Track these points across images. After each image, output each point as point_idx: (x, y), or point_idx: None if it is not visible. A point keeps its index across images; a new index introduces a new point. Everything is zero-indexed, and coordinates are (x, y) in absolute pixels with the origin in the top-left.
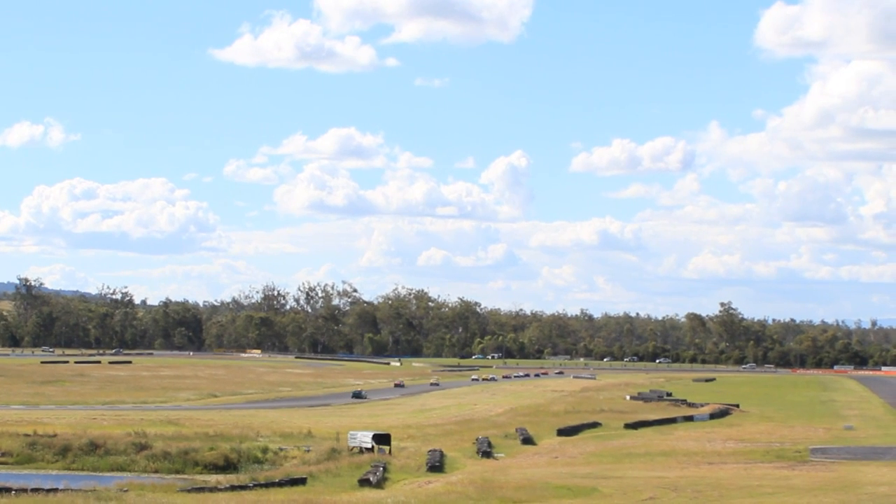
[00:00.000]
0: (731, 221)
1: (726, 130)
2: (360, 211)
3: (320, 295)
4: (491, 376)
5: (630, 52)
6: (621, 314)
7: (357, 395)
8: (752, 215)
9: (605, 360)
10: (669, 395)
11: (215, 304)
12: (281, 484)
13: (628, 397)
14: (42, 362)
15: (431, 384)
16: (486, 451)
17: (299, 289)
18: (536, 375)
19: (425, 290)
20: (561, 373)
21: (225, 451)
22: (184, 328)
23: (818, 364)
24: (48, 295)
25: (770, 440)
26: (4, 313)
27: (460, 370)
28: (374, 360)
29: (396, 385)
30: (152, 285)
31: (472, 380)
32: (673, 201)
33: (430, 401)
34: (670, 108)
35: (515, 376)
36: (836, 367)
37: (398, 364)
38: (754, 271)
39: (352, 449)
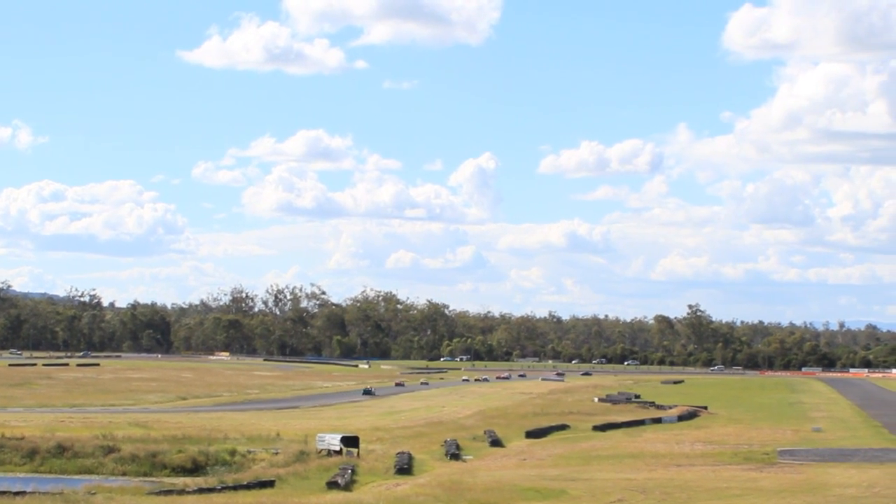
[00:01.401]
0: (699, 223)
1: (694, 133)
2: (328, 213)
3: (288, 297)
4: (484, 377)
5: (598, 54)
6: (589, 316)
7: (367, 392)
8: (719, 217)
9: (573, 362)
10: (638, 397)
11: (183, 306)
12: (249, 486)
13: (597, 399)
14: (10, 365)
15: (421, 383)
16: (455, 454)
17: (267, 291)
18: (521, 376)
19: (394, 292)
20: (523, 375)
21: (193, 454)
22: (152, 330)
23: (786, 366)
24: (16, 297)
25: (738, 442)
26: None
27: (428, 372)
28: (343, 362)
29: (397, 384)
30: (120, 287)
31: (463, 380)
32: (641, 203)
33: (398, 403)
34: (638, 110)
35: (498, 378)
36: (804, 370)
37: (366, 366)
38: (722, 273)
39: (320, 451)
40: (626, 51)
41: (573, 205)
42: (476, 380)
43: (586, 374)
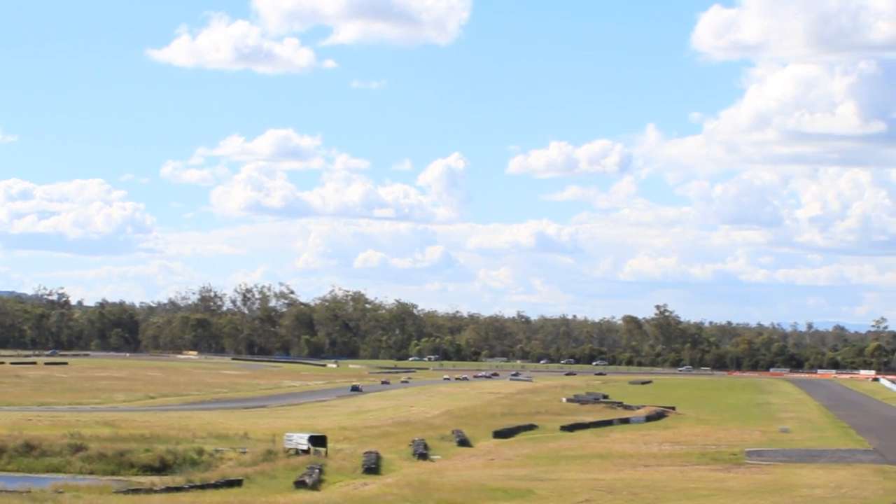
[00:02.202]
0: (668, 224)
1: (663, 133)
2: (296, 212)
3: (257, 296)
4: (464, 376)
5: (567, 54)
6: (558, 316)
7: (355, 389)
8: (688, 218)
9: (541, 362)
10: (606, 397)
11: (152, 305)
12: (216, 486)
13: (564, 399)
14: None
15: (402, 382)
16: (423, 453)
17: (236, 290)
18: (514, 375)
19: (362, 291)
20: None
21: (161, 453)
22: (120, 329)
23: (754, 367)
24: None
25: (706, 443)
26: None
27: (397, 372)
28: (311, 361)
29: (383, 382)
30: (88, 286)
31: (444, 379)
32: (610, 204)
33: (366, 403)
34: (607, 110)
35: (476, 377)
36: (771, 370)
37: (335, 366)
38: (690, 274)
39: (288, 451)
40: (596, 51)
41: (542, 205)
42: (457, 378)
43: (570, 374)
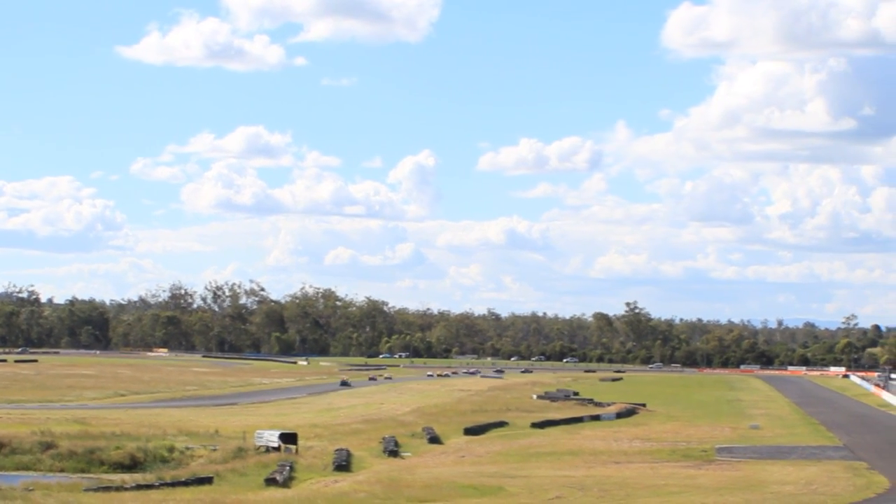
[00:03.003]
0: (638, 221)
1: (633, 130)
2: (267, 210)
3: (227, 294)
4: (446, 373)
5: (537, 52)
6: (528, 314)
7: (345, 384)
8: (658, 215)
9: (512, 359)
10: (576, 394)
11: (122, 302)
12: (187, 483)
13: (535, 396)
14: None
15: (385, 378)
16: (393, 451)
17: (206, 288)
18: (498, 371)
19: (333, 289)
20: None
21: (131, 451)
22: (90, 327)
23: (725, 363)
24: None
25: (676, 439)
26: None
27: (367, 369)
28: (282, 359)
29: (371, 378)
30: (59, 284)
31: (428, 375)
32: (580, 201)
33: (337, 400)
34: (577, 107)
35: (463, 373)
36: (742, 367)
37: (305, 363)
38: (661, 271)
39: (258, 448)
40: (566, 48)
41: (512, 202)
42: (439, 375)
43: (526, 371)
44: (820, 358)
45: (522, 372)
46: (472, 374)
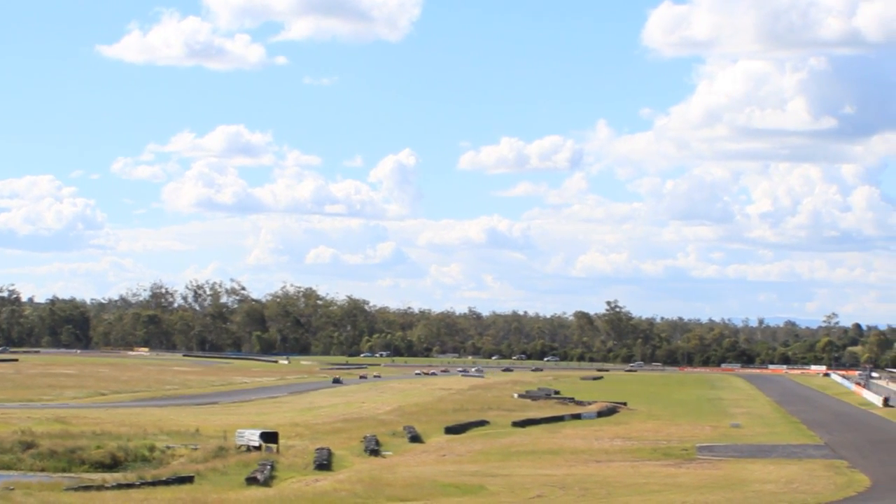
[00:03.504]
0: (619, 220)
1: (614, 129)
2: (248, 209)
3: (208, 293)
4: (433, 372)
5: (518, 51)
6: (509, 312)
7: (337, 381)
8: (639, 214)
9: (493, 358)
10: (557, 393)
11: (103, 301)
12: (168, 482)
13: (516, 395)
14: None
15: (374, 376)
16: (374, 450)
17: (187, 287)
18: (479, 370)
19: (314, 288)
20: (446, 371)
21: (112, 450)
22: (71, 326)
23: (705, 362)
24: None
25: (657, 438)
26: None
27: (349, 368)
28: (263, 358)
29: (361, 377)
30: (39, 283)
31: (416, 374)
32: (561, 200)
33: (318, 399)
34: (558, 106)
35: (458, 371)
36: (723, 366)
37: (286, 362)
38: (642, 270)
39: (239, 447)
40: (546, 47)
41: (493, 201)
42: (425, 373)
43: (507, 370)
44: (801, 356)
45: (504, 371)
46: (462, 372)
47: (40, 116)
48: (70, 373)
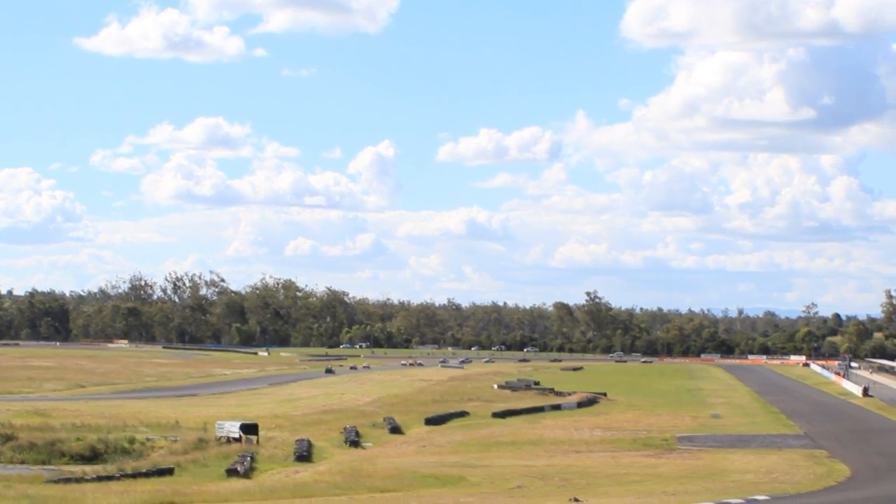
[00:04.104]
0: (598, 211)
1: (593, 120)
2: (227, 201)
3: (188, 285)
4: (419, 362)
5: (497, 42)
6: (489, 303)
7: (329, 371)
8: (618, 205)
9: (472, 349)
10: (537, 383)
11: (82, 294)
12: (148, 474)
13: (496, 386)
14: None
15: (364, 367)
16: (354, 441)
17: (166, 279)
18: (465, 361)
19: (293, 279)
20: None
21: (92, 442)
22: (50, 318)
23: (685, 353)
24: None
25: (637, 428)
26: None
27: (328, 359)
28: (242, 349)
29: (351, 367)
30: (18, 275)
31: (402, 364)
32: (540, 191)
33: (297, 390)
34: (537, 98)
35: (454, 362)
36: (702, 356)
37: (266, 354)
38: (621, 260)
39: (219, 439)
40: (525, 38)
41: (472, 192)
42: (411, 364)
43: (489, 361)
44: (780, 347)
45: (486, 362)
46: (442, 363)
47: (18, 109)
48: (49, 365)
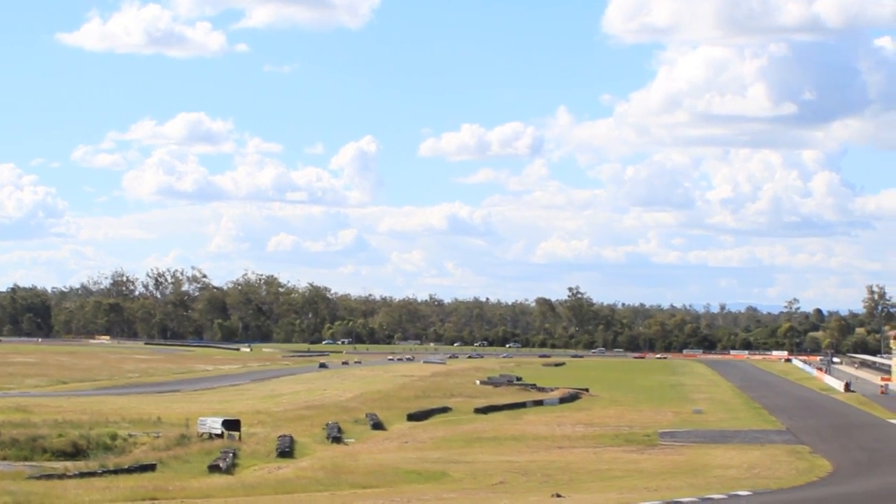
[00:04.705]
0: (580, 206)
1: (574, 116)
2: (209, 196)
3: (169, 281)
4: (408, 356)
5: (478, 37)
6: (471, 299)
7: (322, 366)
8: (600, 200)
9: (455, 344)
10: (519, 379)
11: (64, 290)
12: (130, 470)
13: (478, 382)
14: None
15: (355, 362)
16: (336, 437)
17: (148, 275)
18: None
19: (275, 275)
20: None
21: (74, 438)
22: (32, 314)
23: (667, 348)
24: None
25: (619, 424)
26: None
27: (310, 355)
28: (224, 345)
29: (343, 363)
30: (0, 271)
31: (388, 359)
32: (522, 186)
33: (279, 386)
34: (519, 93)
35: (405, 359)
36: (685, 351)
37: (248, 349)
38: (603, 256)
39: (201, 435)
40: (507, 34)
41: (454, 188)
42: (399, 359)
43: (477, 356)
44: (762, 342)
45: (469, 357)
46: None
47: (0, 105)
48: (31, 361)
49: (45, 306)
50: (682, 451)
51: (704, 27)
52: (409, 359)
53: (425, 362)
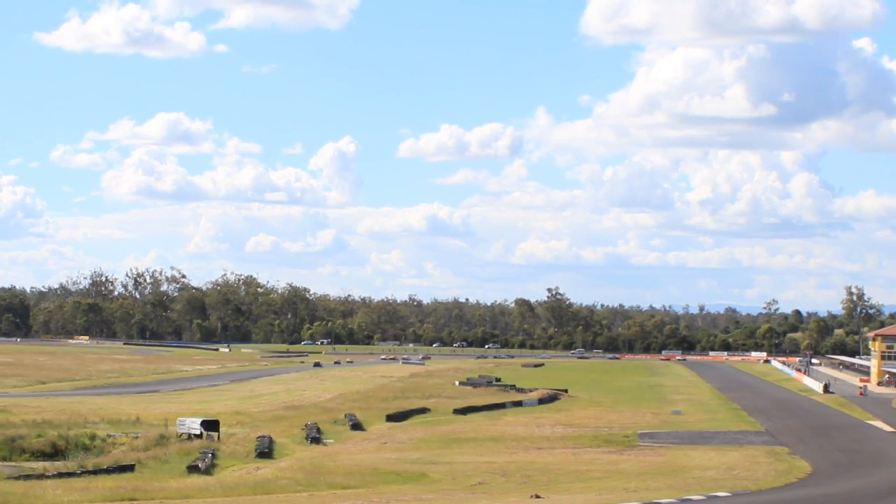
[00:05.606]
0: (559, 207)
1: (553, 116)
2: (187, 196)
3: (148, 281)
4: (404, 357)
5: (457, 38)
6: (450, 300)
7: (317, 365)
8: (579, 201)
9: (434, 345)
10: (498, 380)
11: (43, 290)
12: (109, 471)
13: (457, 383)
14: None
15: (348, 362)
16: (315, 437)
17: (127, 275)
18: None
19: (254, 275)
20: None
21: (53, 438)
22: (10, 314)
23: (646, 349)
24: None
25: (598, 425)
26: None
27: (289, 356)
28: (203, 346)
29: (335, 362)
30: None
31: (381, 359)
32: (501, 187)
33: (258, 387)
34: (498, 94)
35: (401, 359)
36: (664, 352)
37: (227, 350)
38: (582, 257)
39: (180, 435)
40: (486, 35)
41: (433, 188)
42: (394, 359)
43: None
44: (741, 343)
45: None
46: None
47: None
48: (9, 361)
49: (23, 306)
50: (661, 452)
51: (683, 28)
52: (404, 359)
53: (404, 362)
